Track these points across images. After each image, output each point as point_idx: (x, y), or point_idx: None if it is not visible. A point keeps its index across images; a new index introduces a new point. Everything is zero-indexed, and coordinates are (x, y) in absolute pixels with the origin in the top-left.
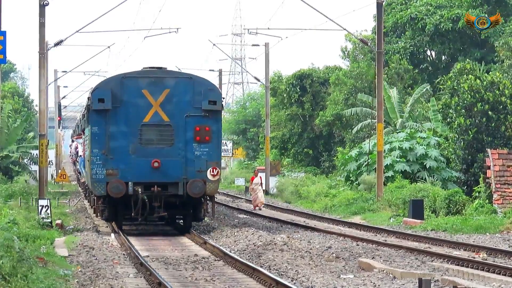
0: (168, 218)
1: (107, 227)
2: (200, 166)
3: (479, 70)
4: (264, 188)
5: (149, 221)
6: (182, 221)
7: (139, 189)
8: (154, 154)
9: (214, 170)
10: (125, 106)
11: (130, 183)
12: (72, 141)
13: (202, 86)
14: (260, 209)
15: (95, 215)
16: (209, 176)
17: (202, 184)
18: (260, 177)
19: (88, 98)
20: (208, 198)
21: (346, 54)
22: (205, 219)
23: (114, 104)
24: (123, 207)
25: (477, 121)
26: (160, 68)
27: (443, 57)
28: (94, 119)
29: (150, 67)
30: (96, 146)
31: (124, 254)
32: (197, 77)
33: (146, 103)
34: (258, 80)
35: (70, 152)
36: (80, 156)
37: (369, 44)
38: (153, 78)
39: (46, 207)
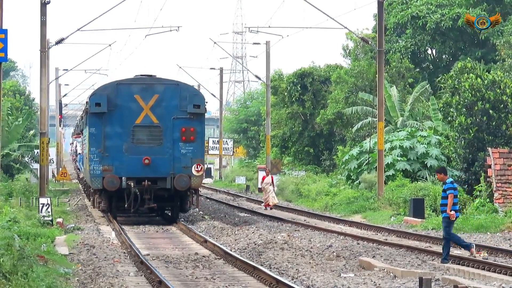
0: (158, 209)
1: (107, 225)
2: (186, 163)
3: (480, 69)
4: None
5: (140, 212)
6: (170, 212)
7: (132, 183)
8: (145, 152)
9: (198, 166)
10: (119, 109)
11: (123, 178)
12: (73, 140)
13: (188, 92)
14: (271, 209)
15: (92, 206)
16: (194, 172)
17: (188, 179)
18: (272, 177)
19: (86, 102)
20: (193, 191)
21: (347, 53)
22: (206, 216)
23: (110, 107)
24: (117, 199)
25: (478, 120)
26: (151, 75)
27: (444, 56)
28: (91, 121)
29: (141, 75)
30: (93, 145)
31: (124, 253)
32: (183, 84)
33: (138, 107)
34: (259, 79)
35: (71, 150)
36: (79, 154)
37: (370, 42)
38: (144, 85)
39: (47, 205)
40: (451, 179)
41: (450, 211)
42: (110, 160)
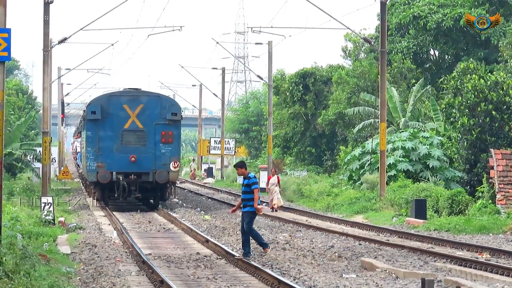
0: (142, 198)
1: (109, 224)
2: (165, 161)
3: (483, 70)
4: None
5: (128, 201)
6: (152, 200)
7: (121, 177)
8: (131, 152)
9: (175, 163)
10: (111, 116)
11: (114, 172)
12: (74, 140)
13: (167, 102)
14: (276, 210)
15: (88, 195)
16: (172, 168)
17: (167, 174)
18: (278, 177)
19: (84, 110)
20: (171, 183)
21: (347, 54)
22: (207, 216)
23: (103, 115)
24: (109, 190)
25: (480, 121)
26: (137, 89)
27: (446, 57)
28: (88, 126)
29: (129, 88)
30: (89, 146)
31: (126, 252)
32: (163, 96)
33: (126, 114)
34: (261, 79)
35: (72, 150)
36: (78, 152)
37: (372, 43)
38: (132, 96)
39: (49, 204)
40: (253, 174)
41: (258, 205)
42: (103, 158)
